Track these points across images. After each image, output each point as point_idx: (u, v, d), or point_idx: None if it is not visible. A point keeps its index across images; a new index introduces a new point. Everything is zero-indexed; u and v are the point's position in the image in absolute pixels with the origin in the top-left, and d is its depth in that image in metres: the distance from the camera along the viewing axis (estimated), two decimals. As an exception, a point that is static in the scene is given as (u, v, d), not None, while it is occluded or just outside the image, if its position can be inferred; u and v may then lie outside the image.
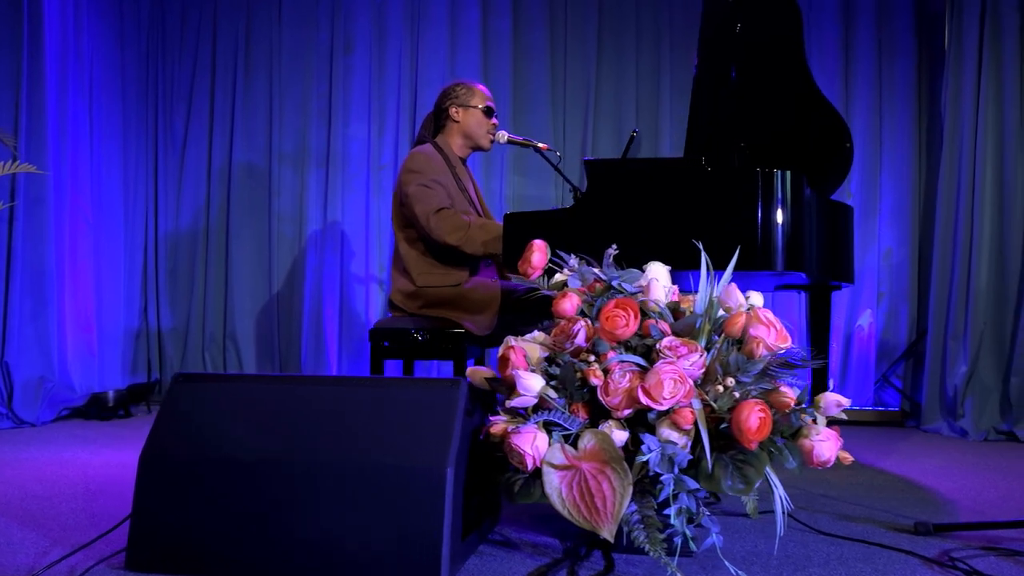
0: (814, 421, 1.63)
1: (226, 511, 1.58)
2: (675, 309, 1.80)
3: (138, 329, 4.81)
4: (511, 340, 1.72)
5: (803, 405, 1.66)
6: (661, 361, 1.59)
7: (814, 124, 2.68)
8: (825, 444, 1.60)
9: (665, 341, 1.65)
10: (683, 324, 1.68)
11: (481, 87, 3.10)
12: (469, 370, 1.85)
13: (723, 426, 1.61)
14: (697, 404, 1.58)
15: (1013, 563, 1.72)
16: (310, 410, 1.66)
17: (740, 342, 1.72)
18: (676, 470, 1.53)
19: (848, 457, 1.68)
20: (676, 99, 4.45)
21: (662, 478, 1.54)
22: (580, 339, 1.67)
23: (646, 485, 1.59)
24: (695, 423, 1.55)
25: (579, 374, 1.62)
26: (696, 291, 1.81)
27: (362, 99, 4.73)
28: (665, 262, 1.83)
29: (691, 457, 1.56)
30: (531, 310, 2.93)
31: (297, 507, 1.56)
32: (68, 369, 4.08)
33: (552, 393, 1.61)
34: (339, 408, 1.65)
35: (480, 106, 3.05)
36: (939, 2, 4.16)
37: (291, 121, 4.80)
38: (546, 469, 1.59)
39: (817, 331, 2.71)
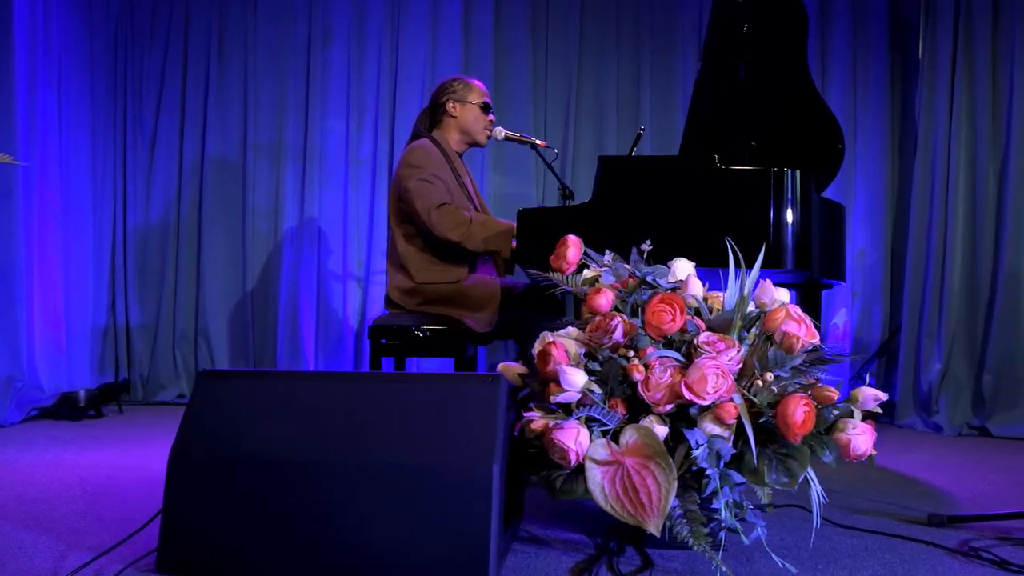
0: (850, 415, 1.65)
1: (261, 513, 1.54)
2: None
3: (105, 326, 4.67)
4: (549, 336, 1.71)
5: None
6: (703, 356, 1.60)
7: (813, 124, 2.72)
8: (861, 438, 1.63)
9: (702, 336, 1.66)
10: (720, 320, 1.69)
11: (478, 83, 3.09)
12: (500, 366, 1.84)
13: (761, 420, 1.62)
14: (738, 399, 1.59)
15: (1029, 552, 1.78)
16: (345, 408, 1.63)
17: (769, 337, 1.74)
18: (721, 464, 1.54)
19: (874, 450, 1.71)
20: (656, 101, 4.48)
21: (707, 472, 1.55)
22: (618, 334, 1.67)
23: (688, 480, 1.60)
24: (738, 418, 1.56)
25: (621, 370, 1.62)
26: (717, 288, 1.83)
27: (340, 93, 4.66)
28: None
29: (734, 451, 1.57)
30: (529, 307, 2.93)
31: (336, 507, 1.53)
32: (36, 368, 3.93)
33: (597, 389, 1.61)
34: (375, 406, 1.62)
35: (477, 102, 3.03)
36: (913, 10, 4.26)
37: (267, 114, 4.70)
38: (589, 465, 1.59)
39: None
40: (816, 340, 1.73)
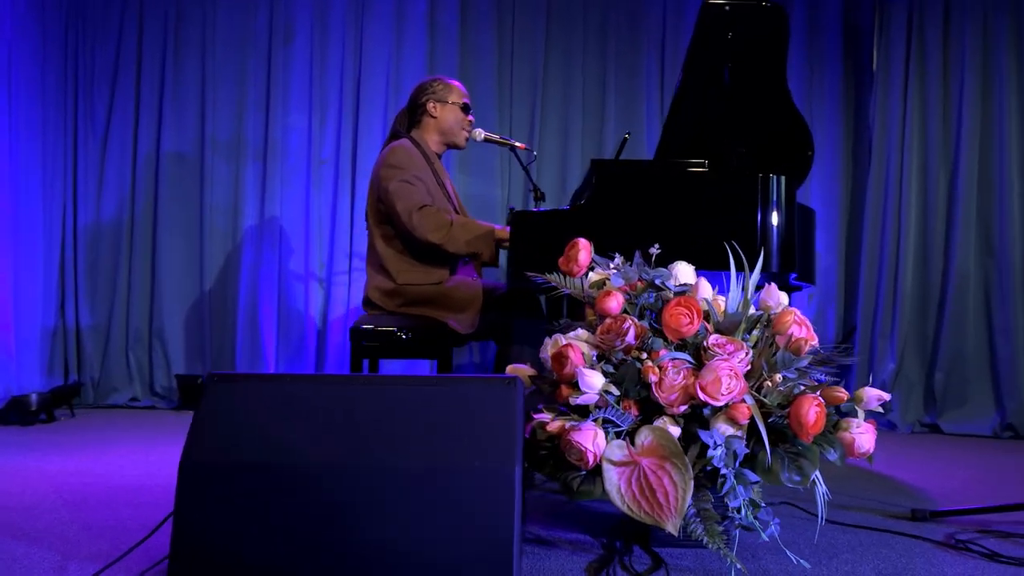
0: (854, 415, 1.71)
1: (279, 518, 1.52)
2: (705, 308, 1.85)
3: (55, 327, 4.50)
4: (562, 338, 1.72)
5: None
6: (716, 358, 1.63)
7: (789, 131, 2.79)
8: (865, 436, 1.68)
9: (712, 339, 1.70)
10: (728, 322, 1.73)
11: (458, 84, 3.08)
12: (509, 368, 1.84)
13: (770, 420, 1.66)
14: (749, 400, 1.63)
15: (1012, 544, 1.86)
16: (361, 411, 1.61)
17: (771, 339, 1.78)
18: (737, 464, 1.58)
19: (870, 449, 1.77)
20: (621, 103, 4.53)
21: (723, 472, 1.58)
22: (630, 337, 1.69)
23: (701, 480, 1.63)
24: (751, 418, 1.60)
25: (637, 372, 1.64)
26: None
27: (303, 89, 4.59)
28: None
29: (747, 451, 1.61)
30: (510, 309, 2.94)
31: (356, 511, 1.51)
32: (-15, 371, 3.79)
33: (615, 390, 1.63)
34: (391, 408, 1.61)
35: (458, 102, 3.02)
36: (867, 21, 4.40)
37: (226, 110, 4.60)
38: (606, 466, 1.61)
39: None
40: (815, 342, 1.79)
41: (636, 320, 1.72)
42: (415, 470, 1.53)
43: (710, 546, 1.55)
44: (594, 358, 1.71)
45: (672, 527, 1.55)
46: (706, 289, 1.75)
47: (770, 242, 2.36)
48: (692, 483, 1.56)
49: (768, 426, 1.66)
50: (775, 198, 2.37)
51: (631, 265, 1.82)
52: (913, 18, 4.16)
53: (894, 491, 2.49)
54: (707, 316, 1.76)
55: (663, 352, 1.67)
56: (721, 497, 1.61)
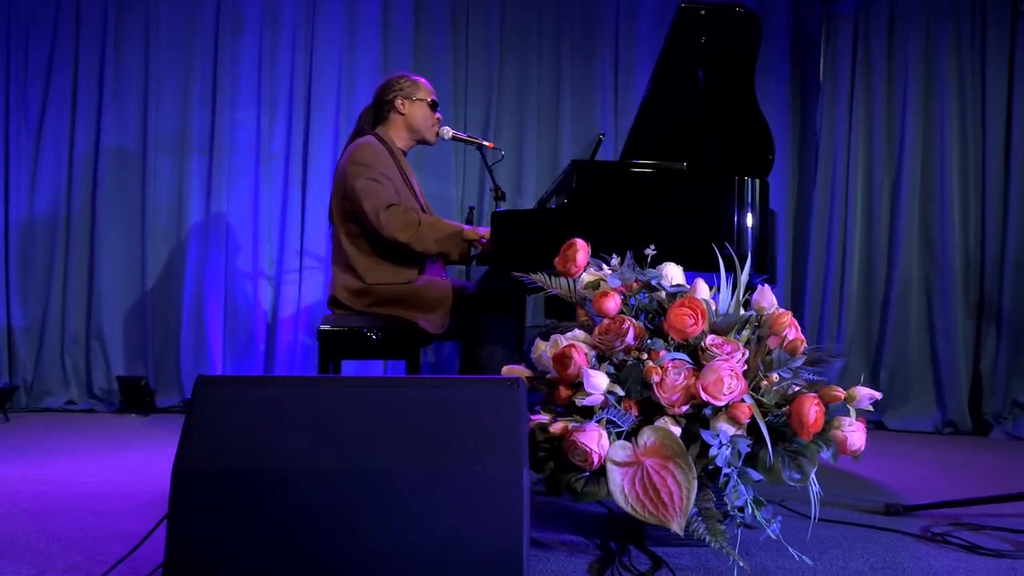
0: (844, 414, 1.74)
1: (278, 525, 1.46)
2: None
3: (-18, 328, 4.29)
4: (561, 339, 1.71)
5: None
6: (717, 359, 1.64)
7: (754, 135, 2.84)
8: (856, 434, 1.72)
9: (709, 339, 1.71)
10: (724, 322, 1.75)
11: (424, 81, 3.04)
12: (505, 369, 1.83)
13: (767, 419, 1.68)
14: (748, 399, 1.65)
15: (984, 536, 1.93)
16: (360, 414, 1.56)
17: (761, 339, 1.81)
18: (740, 463, 1.59)
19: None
20: (576, 106, 4.54)
21: (726, 471, 1.59)
22: (630, 337, 1.69)
23: (702, 479, 1.64)
24: (752, 417, 1.62)
25: (641, 372, 1.64)
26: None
27: (251, 85, 4.47)
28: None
29: (748, 451, 1.63)
30: (479, 309, 2.91)
31: (360, 516, 1.47)
32: (-88, 373, 3.57)
33: (620, 391, 1.62)
34: (394, 411, 1.57)
35: (426, 99, 2.99)
36: (814, 30, 4.52)
37: (169, 104, 4.45)
38: (609, 467, 1.60)
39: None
40: (804, 342, 1.82)
41: (635, 321, 1.72)
42: (419, 474, 1.49)
43: (713, 545, 1.56)
44: (593, 359, 1.70)
45: (677, 527, 1.55)
46: (704, 290, 1.76)
47: (745, 244, 2.39)
48: (696, 482, 1.57)
49: (767, 425, 1.68)
50: (750, 200, 2.41)
51: (625, 266, 1.82)
52: (859, 28, 4.29)
53: (860, 487, 2.56)
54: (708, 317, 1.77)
55: (663, 352, 1.68)
56: (721, 496, 1.62)
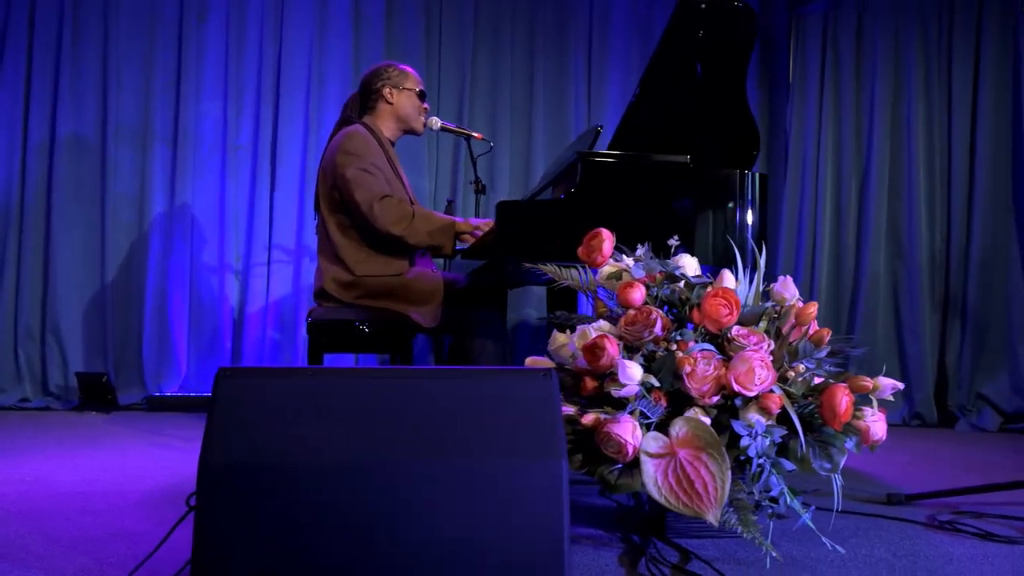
0: (867, 404, 1.76)
1: (311, 522, 1.41)
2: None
3: (-69, 323, 4.08)
4: (590, 330, 1.69)
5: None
6: (747, 349, 1.64)
7: (743, 131, 2.87)
8: (878, 424, 1.74)
9: (735, 330, 1.71)
10: (749, 313, 1.75)
11: (412, 70, 3.00)
12: (528, 360, 1.80)
13: (795, 409, 1.69)
14: (777, 389, 1.65)
15: (986, 523, 1.97)
16: (392, 406, 1.51)
17: (780, 329, 1.82)
18: (774, 453, 1.59)
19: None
20: (549, 99, 4.53)
21: (759, 461, 1.59)
22: (658, 328, 1.68)
23: (733, 469, 1.63)
24: (783, 407, 1.62)
25: (673, 363, 1.63)
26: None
27: (217, 74, 4.34)
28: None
29: (780, 441, 1.63)
30: (470, 302, 2.87)
31: (396, 511, 1.42)
32: None
33: (654, 382, 1.61)
34: (428, 403, 1.52)
35: (414, 88, 2.94)
36: (782, 32, 4.58)
37: (131, 92, 4.29)
38: (643, 458, 1.59)
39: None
40: (829, 332, 1.84)
41: (662, 312, 1.71)
42: (456, 467, 1.45)
43: (746, 535, 1.56)
44: (622, 350, 1.69)
45: (713, 517, 1.54)
46: (731, 280, 1.76)
47: (746, 236, 2.41)
48: (730, 473, 1.57)
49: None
50: (751, 195, 2.42)
51: (648, 257, 1.81)
52: (828, 29, 4.37)
53: (858, 479, 2.58)
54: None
55: (691, 343, 1.67)
56: (751, 487, 1.62)
